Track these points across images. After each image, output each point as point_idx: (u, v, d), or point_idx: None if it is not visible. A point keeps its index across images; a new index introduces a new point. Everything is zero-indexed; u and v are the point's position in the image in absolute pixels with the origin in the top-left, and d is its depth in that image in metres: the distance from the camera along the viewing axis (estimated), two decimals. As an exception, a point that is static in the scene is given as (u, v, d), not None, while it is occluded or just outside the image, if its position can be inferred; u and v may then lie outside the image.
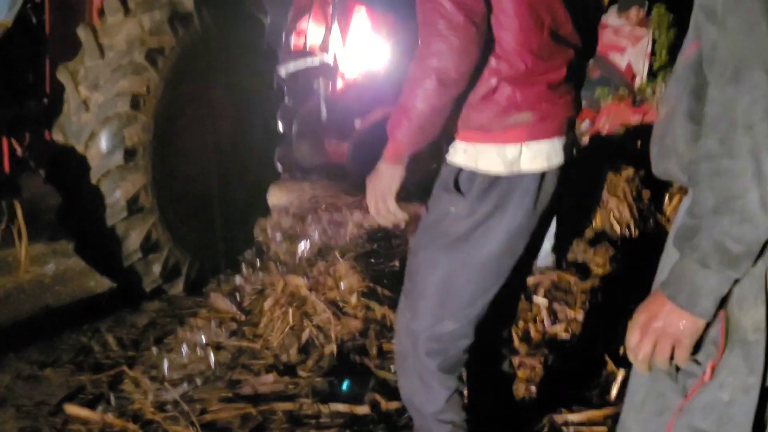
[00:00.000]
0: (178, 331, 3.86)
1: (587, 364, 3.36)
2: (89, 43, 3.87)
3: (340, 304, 3.83)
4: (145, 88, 3.86)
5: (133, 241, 3.99)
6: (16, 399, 3.12)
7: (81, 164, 3.82)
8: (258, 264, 4.87)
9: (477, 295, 2.17)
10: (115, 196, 3.86)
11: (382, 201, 2.09)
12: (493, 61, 1.95)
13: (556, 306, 3.83)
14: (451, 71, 1.87)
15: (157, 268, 4.15)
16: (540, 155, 2.04)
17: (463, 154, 2.06)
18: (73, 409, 3.01)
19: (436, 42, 1.86)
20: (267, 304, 3.91)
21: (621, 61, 7.94)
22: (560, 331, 3.66)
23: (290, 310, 3.75)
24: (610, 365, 3.28)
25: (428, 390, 2.26)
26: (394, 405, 3.04)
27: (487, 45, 1.91)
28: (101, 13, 4.07)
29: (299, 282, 3.92)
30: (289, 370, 3.45)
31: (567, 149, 2.12)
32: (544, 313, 3.75)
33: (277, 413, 3.07)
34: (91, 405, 3.06)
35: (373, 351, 3.57)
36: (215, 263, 4.61)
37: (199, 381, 3.34)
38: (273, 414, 3.07)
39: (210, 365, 3.49)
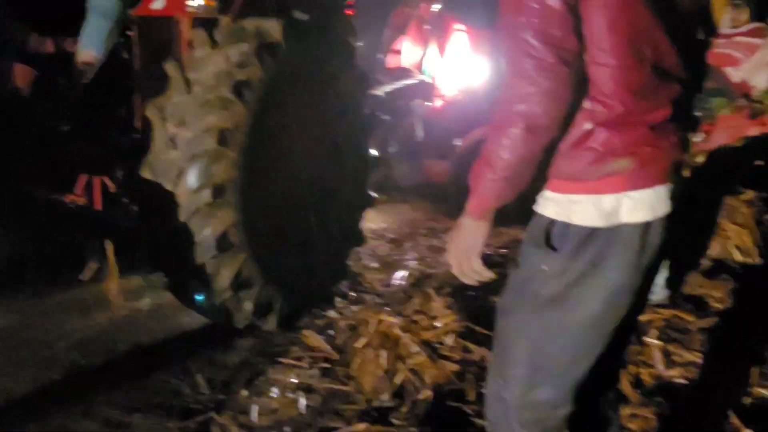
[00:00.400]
0: (269, 371, 3.74)
1: (708, 417, 3.05)
2: (176, 78, 3.81)
3: (436, 346, 3.63)
4: (232, 123, 3.77)
5: (223, 278, 3.90)
6: (104, 449, 3.07)
7: (170, 201, 3.76)
8: (352, 296, 4.74)
9: (574, 361, 1.92)
10: (205, 234, 3.78)
11: (465, 260, 1.89)
12: (587, 104, 1.73)
13: (670, 348, 3.53)
14: (541, 117, 1.68)
15: (248, 306, 4.05)
16: (642, 205, 1.79)
17: (554, 206, 1.84)
18: (158, 463, 2.92)
19: (523, 84, 1.67)
20: (360, 343, 3.75)
21: (734, 75, 7.41)
22: (676, 376, 3.37)
23: (383, 352, 3.57)
24: (735, 421, 2.96)
25: None
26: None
27: (580, 85, 1.70)
28: (191, 46, 4.02)
29: (393, 321, 3.73)
30: (381, 417, 3.28)
31: (674, 195, 1.86)
32: (658, 356, 3.45)
33: (368, 467, 2.90)
34: (177, 457, 2.97)
35: (472, 396, 3.35)
36: (309, 297, 4.48)
37: (288, 429, 3.21)
38: (364, 468, 2.90)
39: (300, 410, 3.36)
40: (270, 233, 4.19)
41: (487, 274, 1.90)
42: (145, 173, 3.81)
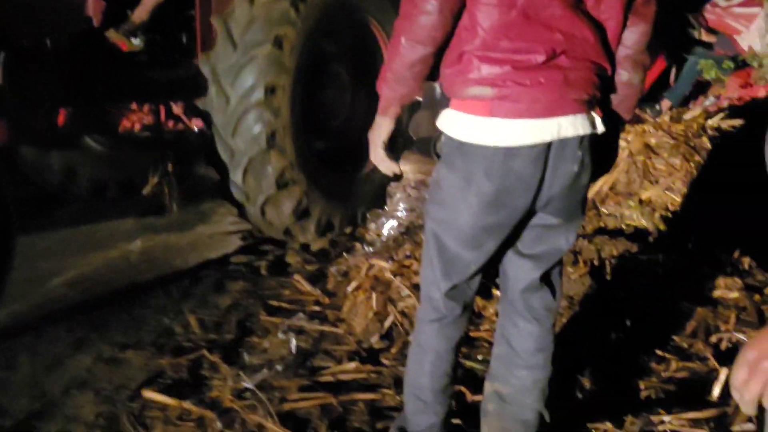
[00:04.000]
0: (261, 313, 3.79)
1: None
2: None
3: (426, 290, 3.68)
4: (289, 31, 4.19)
5: (269, 177, 4.31)
6: (96, 382, 3.10)
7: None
8: (344, 245, 4.78)
9: (465, 262, 2.16)
10: (256, 130, 4.17)
11: (374, 149, 2.22)
12: (461, 32, 2.00)
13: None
14: (415, 32, 1.99)
15: (288, 207, 4.45)
16: (500, 132, 1.98)
17: (441, 118, 2.12)
18: (151, 395, 2.96)
19: (404, 5, 2.01)
20: (350, 287, 3.80)
21: (742, 43, 7.47)
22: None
23: (374, 295, 3.62)
24: (712, 361, 3.05)
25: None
26: (479, 397, 2.88)
27: (454, 14, 1.99)
28: None
29: (383, 265, 3.78)
30: (371, 357, 3.34)
31: (551, 130, 2.00)
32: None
33: (358, 404, 2.96)
34: (169, 390, 3.01)
35: (460, 339, 3.41)
36: (346, 215, 4.92)
37: (279, 367, 3.25)
38: (354, 405, 2.96)
39: (291, 350, 3.41)
40: (318, 149, 4.70)
41: (390, 164, 2.22)
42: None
